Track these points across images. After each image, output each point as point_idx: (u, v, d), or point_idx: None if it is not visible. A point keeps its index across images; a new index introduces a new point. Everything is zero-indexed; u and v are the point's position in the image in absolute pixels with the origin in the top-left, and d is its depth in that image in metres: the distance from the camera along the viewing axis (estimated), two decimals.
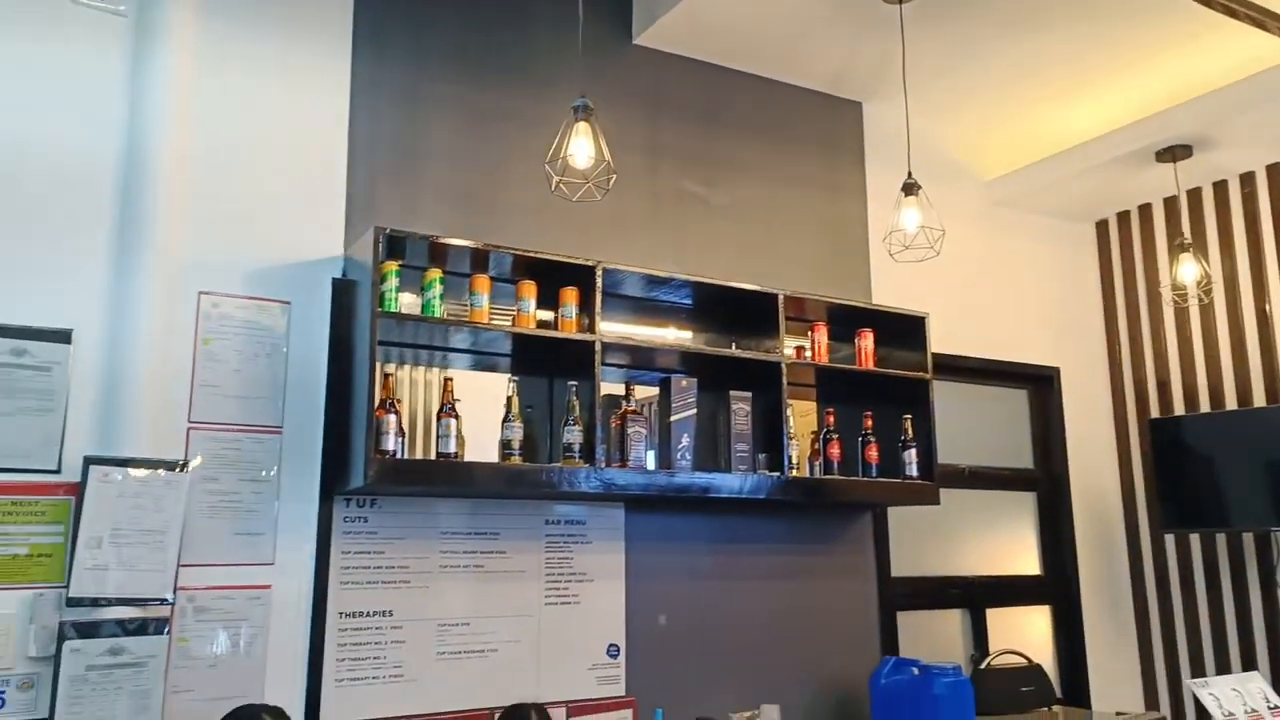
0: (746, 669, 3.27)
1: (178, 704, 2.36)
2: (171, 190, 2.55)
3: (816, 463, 3.40)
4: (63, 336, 2.39)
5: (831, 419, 3.39)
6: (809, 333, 3.38)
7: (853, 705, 3.42)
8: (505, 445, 2.72)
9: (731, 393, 3.15)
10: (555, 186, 2.42)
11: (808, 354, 3.39)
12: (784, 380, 3.16)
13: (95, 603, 2.27)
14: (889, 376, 3.44)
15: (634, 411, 2.93)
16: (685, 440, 3.03)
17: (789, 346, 3.24)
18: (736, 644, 3.28)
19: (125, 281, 2.47)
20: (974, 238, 4.24)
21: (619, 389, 3.03)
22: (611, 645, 3.05)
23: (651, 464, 2.99)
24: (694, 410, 3.07)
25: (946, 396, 3.78)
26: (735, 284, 3.18)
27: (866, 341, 3.42)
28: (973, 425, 4.14)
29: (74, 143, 2.48)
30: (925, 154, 3.89)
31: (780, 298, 3.19)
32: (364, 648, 2.65)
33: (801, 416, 3.42)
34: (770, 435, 3.17)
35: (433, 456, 2.69)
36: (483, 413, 2.82)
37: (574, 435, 2.78)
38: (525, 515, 2.98)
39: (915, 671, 3.21)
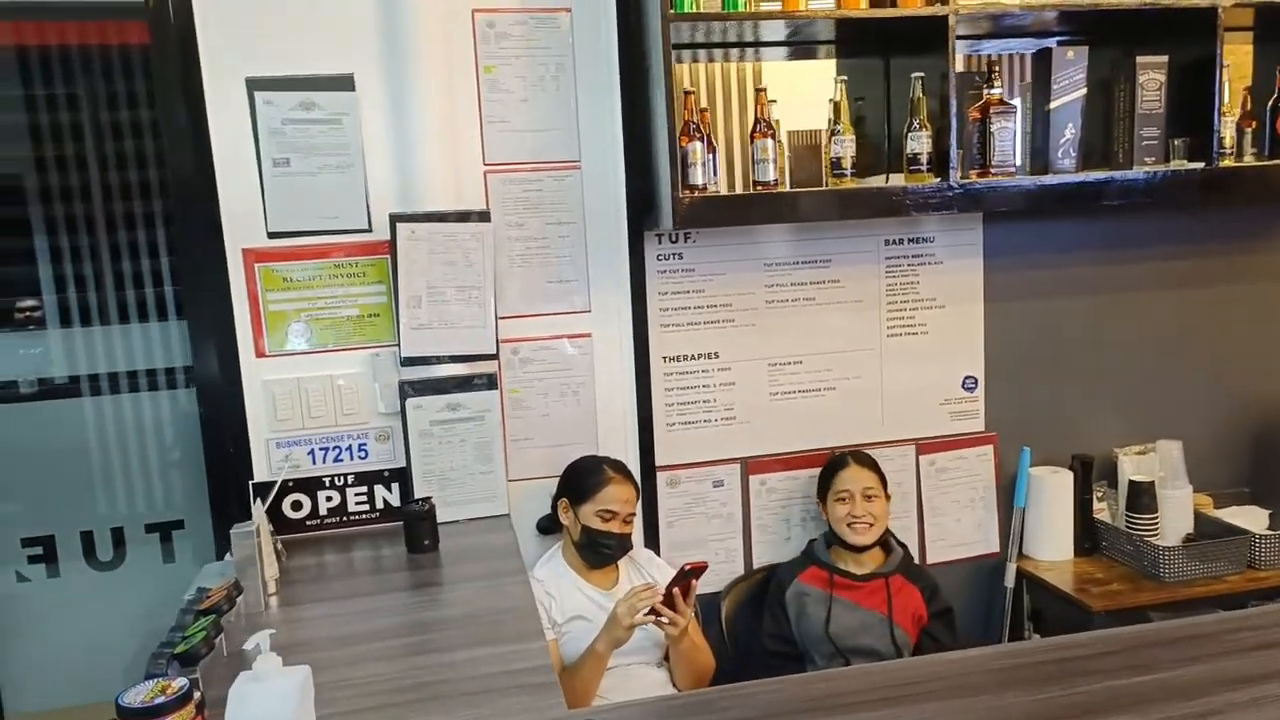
0: (1137, 399, 2.74)
1: (518, 452, 2.38)
2: None
3: (1249, 130, 2.53)
4: (346, 84, 2.20)
5: None
6: None
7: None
8: (835, 164, 2.23)
9: (1139, 58, 2.34)
10: None
11: None
12: (1220, 28, 2.28)
13: (425, 361, 2.26)
14: None
15: (999, 102, 2.26)
16: (1070, 131, 2.33)
17: None
18: (1123, 370, 2.74)
19: (396, 12, 2.18)
20: None
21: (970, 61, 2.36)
22: (968, 377, 2.65)
23: (1021, 163, 2.35)
24: (1083, 90, 2.32)
25: None
26: None
27: None
28: None
29: None
30: None
31: None
32: (692, 391, 2.49)
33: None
34: (1189, 112, 2.36)
35: (745, 182, 2.28)
36: (804, 107, 2.34)
37: (920, 143, 2.21)
38: (861, 236, 2.54)
39: None
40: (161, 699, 1.24)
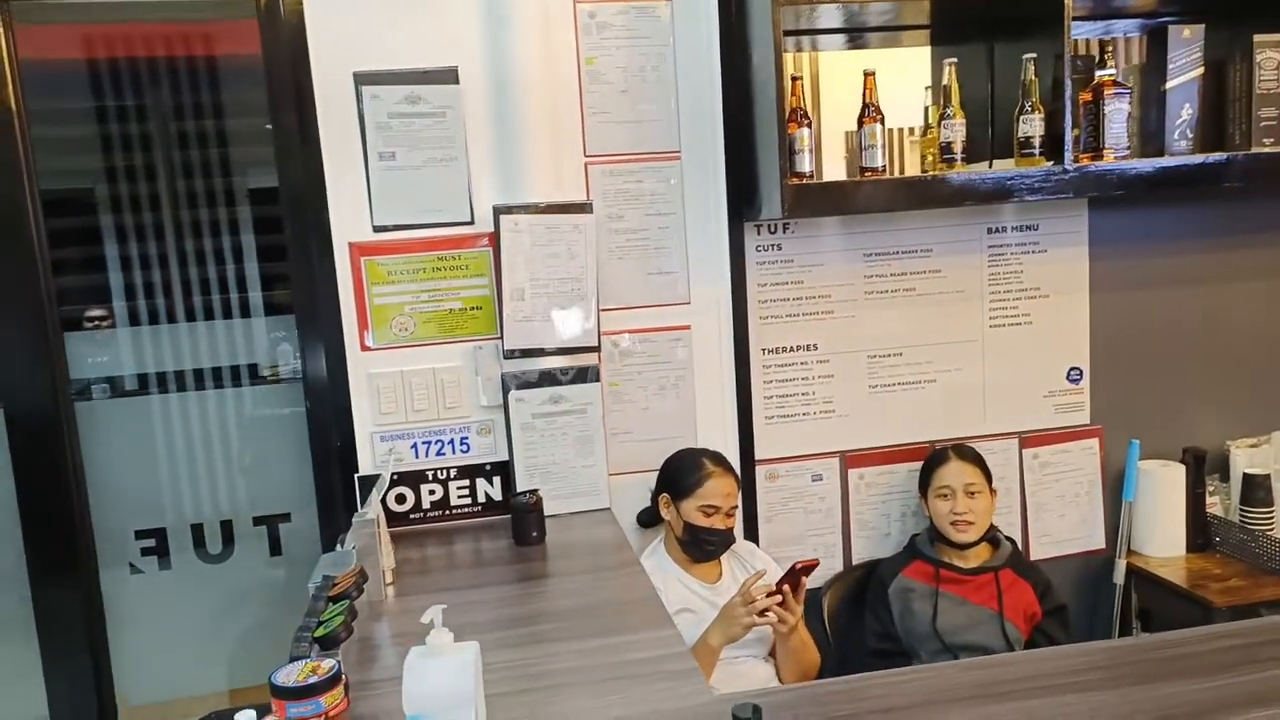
0: (1249, 390, 2.65)
1: (618, 446, 2.36)
2: None
3: None
4: (450, 76, 2.21)
5: None
6: None
7: None
8: (945, 149, 2.19)
9: (1256, 37, 2.26)
10: None
11: None
12: None
13: (527, 353, 2.25)
14: None
15: (1112, 83, 2.20)
16: (1186, 112, 2.26)
17: None
18: (1235, 360, 2.65)
19: (498, 3, 2.19)
20: None
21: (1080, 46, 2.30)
22: (1073, 369, 2.58)
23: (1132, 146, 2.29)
24: (1199, 69, 2.26)
25: None
26: None
27: None
28: None
29: None
30: None
31: None
32: (791, 384, 2.45)
33: None
34: None
35: (848, 170, 2.24)
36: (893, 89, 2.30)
37: (1033, 125, 2.16)
38: (962, 225, 2.49)
39: None
40: (314, 679, 1.24)
